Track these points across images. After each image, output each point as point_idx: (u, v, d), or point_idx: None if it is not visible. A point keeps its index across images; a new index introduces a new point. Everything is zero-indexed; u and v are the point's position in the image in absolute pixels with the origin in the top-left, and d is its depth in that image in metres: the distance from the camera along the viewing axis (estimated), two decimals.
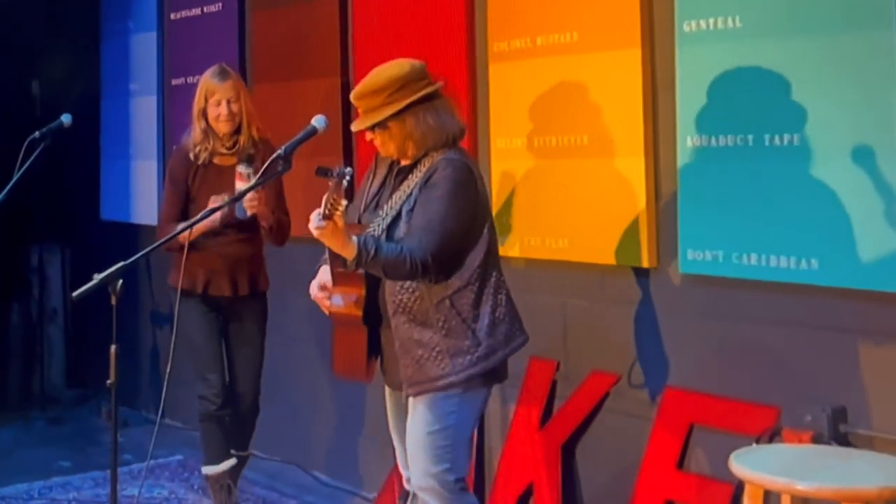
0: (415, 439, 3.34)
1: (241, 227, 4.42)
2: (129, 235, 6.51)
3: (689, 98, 3.68)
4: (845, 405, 3.30)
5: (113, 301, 3.28)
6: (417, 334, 3.27)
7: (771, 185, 3.45)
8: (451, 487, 3.31)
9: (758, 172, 3.49)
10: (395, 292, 3.28)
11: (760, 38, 3.47)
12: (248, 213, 4.26)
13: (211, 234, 4.35)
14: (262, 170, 3.47)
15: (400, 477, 3.66)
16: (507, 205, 4.31)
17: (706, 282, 3.70)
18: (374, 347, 3.42)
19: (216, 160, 4.43)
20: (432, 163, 3.27)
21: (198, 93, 4.45)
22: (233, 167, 4.32)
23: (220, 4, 5.96)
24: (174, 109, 6.32)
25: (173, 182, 4.51)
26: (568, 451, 4.11)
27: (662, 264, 3.84)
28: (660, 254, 3.84)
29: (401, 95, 3.24)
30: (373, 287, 3.34)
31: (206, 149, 4.42)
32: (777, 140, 3.44)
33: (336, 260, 3.28)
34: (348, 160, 5.12)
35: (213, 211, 3.89)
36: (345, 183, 2.97)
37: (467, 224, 3.27)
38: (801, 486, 2.79)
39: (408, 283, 3.24)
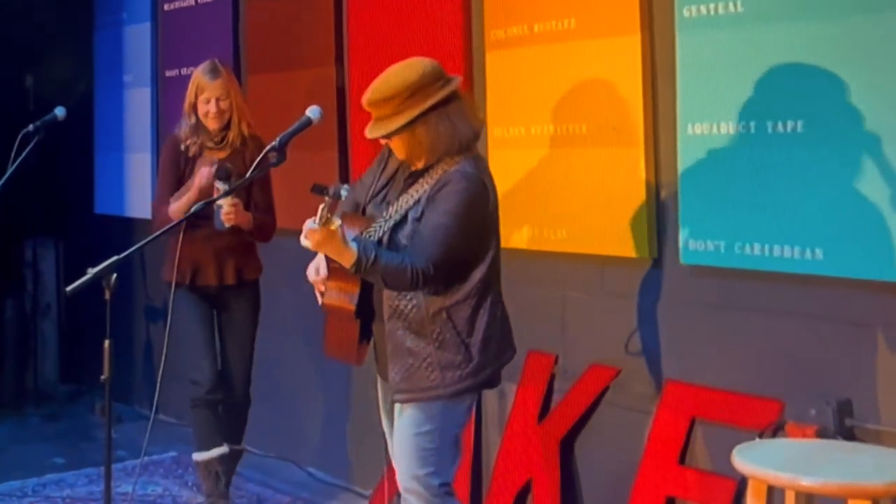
0: (400, 441, 3.32)
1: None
2: (124, 229, 6.52)
3: (689, 85, 3.64)
4: (851, 398, 3.27)
5: (107, 296, 3.30)
6: (410, 342, 3.22)
7: (774, 173, 3.41)
8: (436, 492, 3.28)
9: (760, 160, 3.45)
10: (392, 297, 3.22)
11: (762, 23, 3.43)
12: (226, 224, 4.34)
13: (198, 224, 4.37)
14: (255, 161, 3.45)
15: (394, 472, 3.60)
16: (505, 195, 4.22)
17: (708, 273, 3.66)
18: (366, 333, 3.39)
19: (206, 153, 4.49)
20: (445, 172, 3.18)
21: (189, 88, 4.52)
22: (226, 159, 4.42)
23: None
24: (168, 101, 6.31)
25: (165, 169, 4.59)
26: (567, 447, 4.09)
27: (663, 255, 3.80)
28: (660, 244, 3.81)
29: (412, 103, 3.14)
30: (368, 285, 3.29)
31: (196, 143, 4.50)
32: (780, 127, 3.40)
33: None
34: (343, 151, 5.10)
35: (207, 204, 3.92)
36: (341, 200, 2.94)
37: (474, 241, 3.20)
38: (806, 482, 2.75)
39: None
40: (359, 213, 3.38)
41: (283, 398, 5.59)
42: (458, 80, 3.24)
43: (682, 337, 3.77)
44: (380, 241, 3.19)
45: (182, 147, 4.51)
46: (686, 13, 3.62)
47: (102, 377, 3.35)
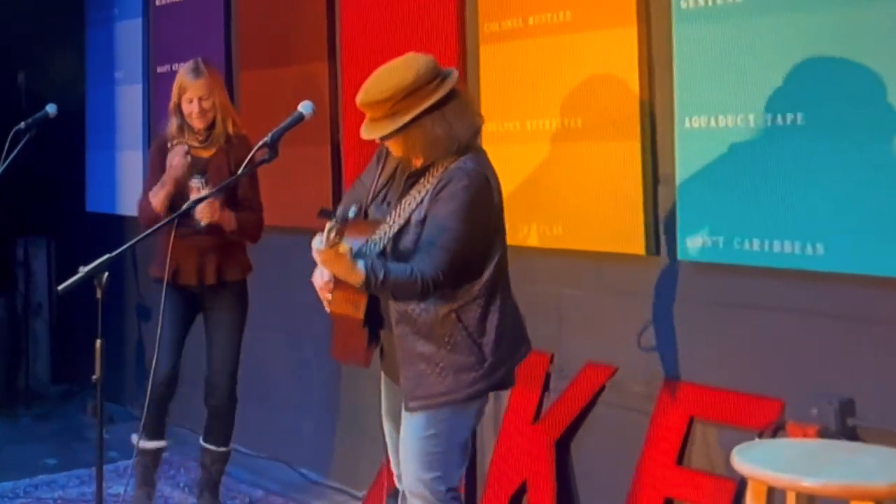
0: (408, 443, 3.26)
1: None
2: (115, 227, 6.52)
3: (687, 77, 3.61)
4: (853, 397, 3.24)
5: (98, 294, 3.33)
6: (421, 347, 3.17)
7: (774, 167, 3.39)
8: (442, 497, 3.22)
9: (760, 154, 3.42)
10: (400, 302, 3.17)
11: (761, 14, 3.40)
12: (202, 222, 4.35)
13: (182, 223, 4.40)
14: (242, 160, 3.45)
15: (390, 473, 3.55)
16: None
17: (706, 269, 3.64)
18: (375, 338, 3.34)
19: (192, 152, 4.50)
20: (446, 169, 3.12)
21: (174, 87, 4.55)
22: (210, 158, 4.48)
23: None
24: (159, 98, 6.29)
25: (153, 169, 4.61)
26: (563, 447, 4.06)
27: (661, 251, 3.79)
28: (658, 240, 3.79)
29: (407, 105, 3.06)
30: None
31: (182, 142, 4.51)
32: (780, 120, 3.37)
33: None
34: (335, 146, 5.09)
35: (194, 203, 3.99)
36: (349, 222, 2.89)
37: (481, 240, 3.15)
38: (808, 483, 2.72)
39: None
40: (361, 216, 3.32)
41: (276, 398, 5.59)
42: (454, 76, 3.15)
43: (680, 334, 3.74)
44: (385, 249, 3.14)
45: (168, 146, 4.53)
46: (683, 4, 3.59)
47: (94, 377, 3.37)
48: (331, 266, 3.00)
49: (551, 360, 4.11)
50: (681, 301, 3.73)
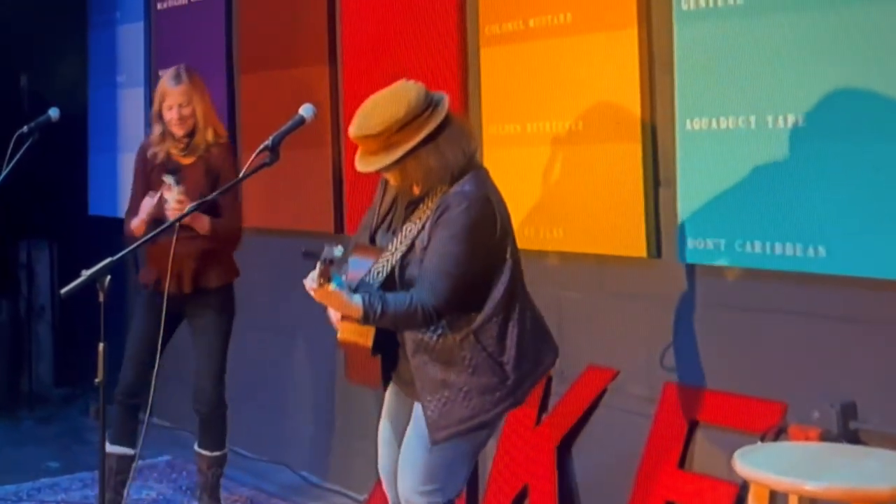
0: (410, 453, 3.23)
1: (186, 225, 4.44)
2: (117, 230, 6.40)
3: (688, 79, 3.60)
4: (855, 400, 3.23)
5: (101, 297, 3.32)
6: (442, 374, 3.13)
7: (775, 169, 3.37)
8: None
9: (761, 156, 3.41)
10: (414, 331, 3.14)
11: (762, 15, 3.38)
12: (169, 217, 4.32)
13: (162, 232, 4.37)
14: (249, 161, 3.42)
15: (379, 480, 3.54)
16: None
17: (708, 271, 3.64)
18: (387, 363, 3.32)
19: (173, 158, 4.55)
20: (445, 194, 3.10)
21: (156, 94, 4.59)
22: (189, 165, 4.50)
23: None
24: None
25: (135, 179, 4.67)
26: (564, 451, 4.05)
27: (662, 254, 3.77)
28: (659, 243, 3.77)
29: (400, 139, 3.05)
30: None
31: (163, 149, 4.54)
32: (781, 122, 3.35)
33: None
34: (336, 149, 5.08)
35: (180, 218, 4.02)
36: (336, 261, 2.88)
37: (486, 260, 3.11)
38: (810, 487, 2.70)
39: None
40: (349, 253, 3.30)
41: (278, 402, 5.58)
42: (445, 103, 3.12)
43: (681, 337, 3.73)
44: (391, 275, 3.12)
45: (149, 154, 4.56)
46: (684, 5, 3.58)
47: (97, 380, 3.36)
48: (327, 302, 2.99)
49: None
50: (682, 304, 3.72)
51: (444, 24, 4.47)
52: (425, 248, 3.08)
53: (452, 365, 3.12)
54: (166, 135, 4.50)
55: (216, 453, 4.71)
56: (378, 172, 3.15)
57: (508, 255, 3.16)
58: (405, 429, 3.29)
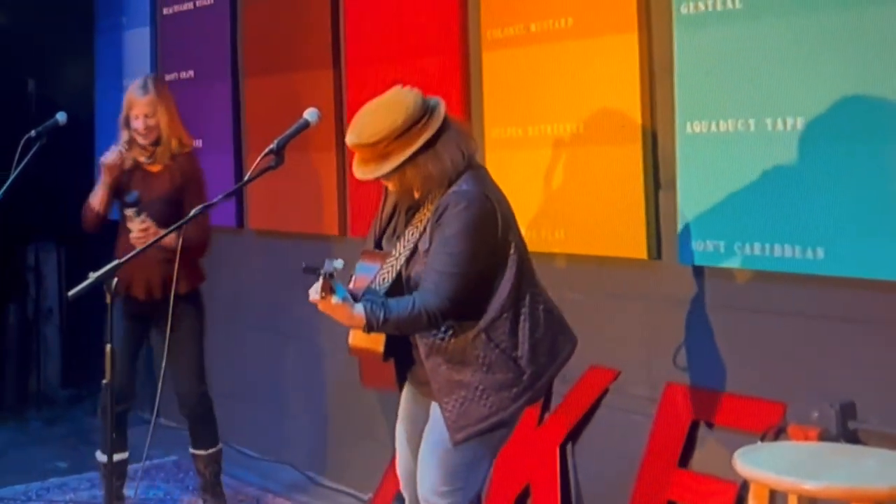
0: (430, 450, 3.20)
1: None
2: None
3: (687, 83, 3.59)
4: (854, 400, 3.21)
5: (108, 299, 3.32)
6: (458, 375, 3.11)
7: (774, 171, 3.36)
8: None
9: (760, 159, 3.39)
10: (425, 334, 3.12)
11: (761, 19, 3.37)
12: (137, 246, 4.28)
13: (128, 233, 4.47)
14: (254, 164, 3.42)
15: (394, 479, 3.52)
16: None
17: (708, 273, 3.63)
18: (401, 366, 3.30)
19: (140, 166, 4.58)
20: (442, 196, 3.08)
21: (124, 102, 4.62)
22: (156, 173, 4.55)
23: None
24: None
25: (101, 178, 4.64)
26: (566, 450, 4.04)
27: (662, 255, 3.76)
28: (659, 244, 3.76)
29: (398, 147, 3.03)
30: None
31: (130, 157, 4.57)
32: (780, 125, 3.34)
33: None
34: (341, 152, 5.06)
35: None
36: (335, 275, 2.89)
37: (488, 258, 3.08)
38: (809, 486, 2.70)
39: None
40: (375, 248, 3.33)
41: (283, 403, 5.57)
42: (441, 110, 3.11)
43: (681, 338, 3.71)
44: (397, 280, 3.11)
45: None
46: (684, 10, 3.56)
47: (104, 381, 3.37)
48: (331, 313, 2.97)
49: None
50: (683, 305, 3.70)
51: (447, 28, 4.47)
52: (427, 251, 3.07)
53: (467, 364, 3.10)
54: (133, 142, 4.54)
55: (211, 451, 4.74)
56: (377, 180, 3.14)
57: (513, 250, 3.12)
58: (423, 429, 3.27)
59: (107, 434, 3.62)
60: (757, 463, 2.83)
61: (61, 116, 4.48)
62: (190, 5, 6.07)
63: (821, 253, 3.24)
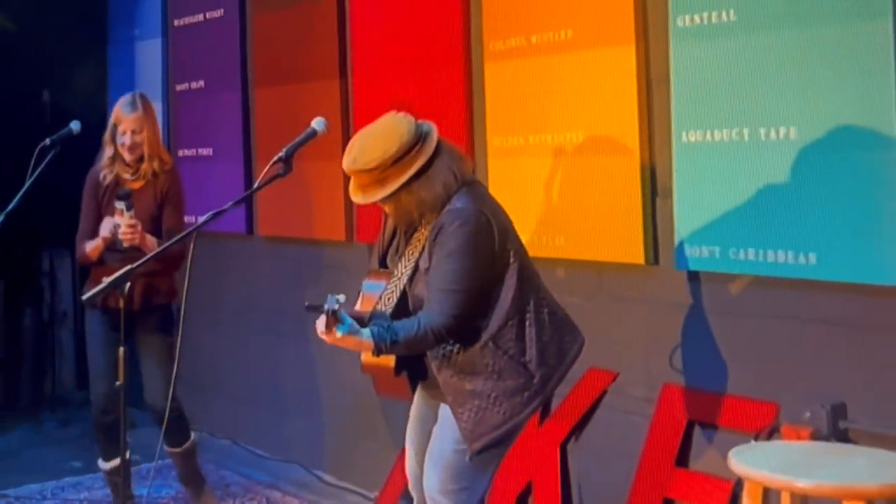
0: (436, 450, 3.20)
1: (136, 246, 4.46)
2: None
3: (683, 94, 3.59)
4: (845, 401, 3.22)
5: (120, 304, 3.37)
6: (469, 384, 3.11)
7: (767, 179, 3.37)
8: None
9: (754, 167, 3.40)
10: (435, 347, 3.12)
11: (755, 32, 3.38)
12: (125, 244, 4.37)
13: (109, 250, 4.49)
14: (263, 172, 3.43)
15: (401, 477, 3.53)
16: (504, 203, 4.16)
17: (703, 278, 3.63)
18: (413, 378, 3.30)
19: (122, 182, 4.56)
20: (439, 214, 3.09)
21: (111, 118, 4.59)
22: (139, 189, 4.52)
23: (222, 10, 5.93)
24: (178, 115, 6.33)
25: (86, 202, 4.65)
26: (566, 449, 4.03)
27: (659, 261, 3.76)
28: (657, 250, 3.76)
29: (392, 173, 3.04)
30: None
31: (112, 172, 4.57)
32: (773, 134, 3.35)
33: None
34: None
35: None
36: (339, 308, 2.91)
37: (488, 270, 3.08)
38: (802, 484, 2.71)
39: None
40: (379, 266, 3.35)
41: (292, 403, 5.57)
42: (433, 136, 3.12)
43: (678, 341, 3.71)
44: (402, 300, 3.13)
45: (100, 177, 4.58)
46: (680, 22, 3.57)
47: (118, 383, 3.40)
48: (339, 344, 2.98)
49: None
50: (679, 309, 3.70)
51: (450, 40, 4.47)
52: (428, 269, 3.08)
53: (477, 374, 3.09)
54: (116, 158, 4.53)
55: (185, 446, 4.73)
56: (374, 204, 3.15)
57: (512, 259, 3.12)
58: (431, 430, 3.27)
59: (122, 433, 3.60)
60: (751, 462, 2.84)
61: (75, 125, 4.51)
62: (200, 17, 6.07)
63: (813, 258, 3.24)
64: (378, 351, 2.99)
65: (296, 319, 5.31)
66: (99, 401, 4.55)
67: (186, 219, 4.76)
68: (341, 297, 2.90)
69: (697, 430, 3.65)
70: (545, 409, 4.07)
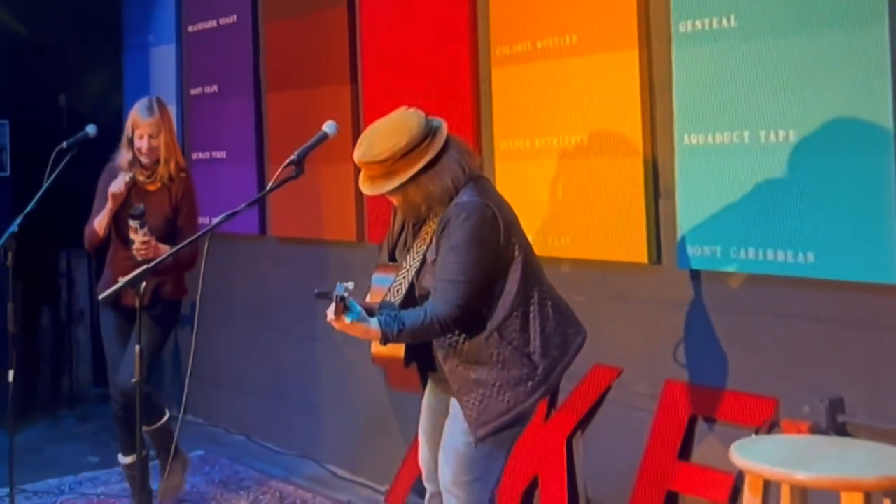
0: (449, 443, 3.21)
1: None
2: None
3: (685, 97, 3.60)
4: (843, 396, 3.23)
5: (136, 303, 3.35)
6: (474, 373, 3.12)
7: (767, 180, 3.38)
8: (478, 500, 3.18)
9: (754, 169, 3.41)
10: (442, 339, 3.14)
11: (755, 37, 3.39)
12: (140, 258, 4.31)
13: (121, 247, 4.51)
14: (276, 175, 3.43)
15: (413, 471, 3.54)
16: (511, 204, 4.21)
17: (705, 276, 3.63)
18: (423, 369, 3.32)
19: (138, 185, 4.54)
20: (446, 208, 3.10)
21: (128, 121, 4.57)
22: (153, 191, 4.52)
23: (235, 17, 5.95)
24: (192, 119, 6.34)
25: (101, 190, 4.59)
26: (572, 444, 4.04)
27: (662, 260, 3.76)
28: (660, 250, 3.77)
29: (402, 165, 3.06)
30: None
31: (130, 174, 4.52)
32: (773, 136, 3.36)
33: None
34: None
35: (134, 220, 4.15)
36: (347, 295, 2.93)
37: (493, 263, 3.09)
38: (801, 476, 2.71)
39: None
40: (388, 260, 3.36)
41: (305, 400, 5.57)
42: (443, 131, 3.13)
43: (680, 338, 3.72)
44: (410, 291, 3.14)
45: (118, 174, 4.52)
46: (682, 28, 3.58)
47: (134, 380, 3.39)
48: (348, 331, 3.00)
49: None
50: (681, 307, 3.71)
51: (458, 46, 4.48)
52: (435, 261, 3.09)
53: (482, 363, 3.10)
54: (134, 161, 4.51)
55: (154, 426, 4.60)
56: (382, 195, 3.17)
57: (517, 252, 3.12)
58: (443, 423, 3.28)
59: (137, 429, 3.61)
60: (752, 455, 2.84)
61: (91, 129, 4.52)
62: (214, 23, 6.08)
63: (811, 257, 3.26)
64: (385, 339, 3.01)
65: (307, 317, 5.33)
66: (117, 395, 4.53)
67: (200, 220, 4.76)
68: (350, 285, 2.92)
69: (700, 425, 3.65)
70: (551, 404, 4.08)
